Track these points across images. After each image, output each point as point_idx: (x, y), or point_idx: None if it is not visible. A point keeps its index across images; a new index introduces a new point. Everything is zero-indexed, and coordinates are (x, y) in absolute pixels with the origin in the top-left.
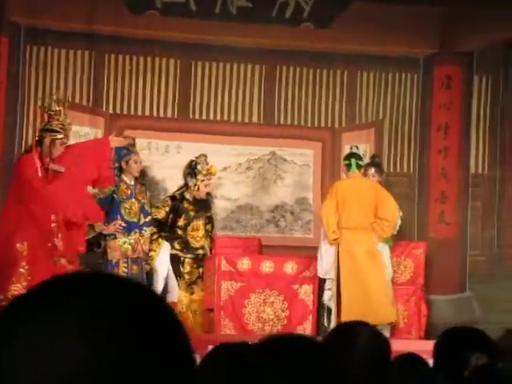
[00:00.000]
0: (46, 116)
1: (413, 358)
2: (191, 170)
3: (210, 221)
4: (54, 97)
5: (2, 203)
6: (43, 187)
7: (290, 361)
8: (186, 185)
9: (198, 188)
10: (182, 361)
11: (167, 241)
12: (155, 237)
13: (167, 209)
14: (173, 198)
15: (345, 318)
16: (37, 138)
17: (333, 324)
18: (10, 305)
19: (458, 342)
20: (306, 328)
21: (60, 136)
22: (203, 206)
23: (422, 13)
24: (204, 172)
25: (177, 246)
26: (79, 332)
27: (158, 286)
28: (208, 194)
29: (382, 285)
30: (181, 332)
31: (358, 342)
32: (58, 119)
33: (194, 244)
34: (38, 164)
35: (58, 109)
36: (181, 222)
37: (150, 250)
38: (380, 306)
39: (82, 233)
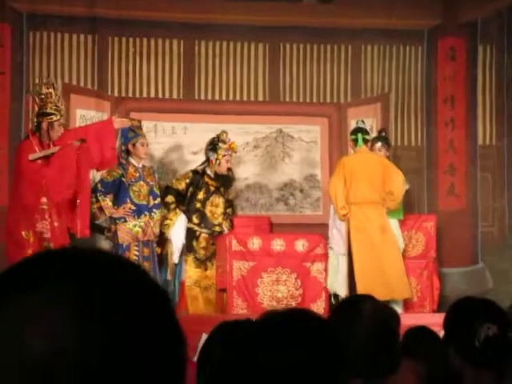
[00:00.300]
0: (38, 100)
1: (423, 331)
2: (213, 145)
3: (230, 204)
4: (44, 80)
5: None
6: (38, 169)
7: (287, 335)
8: (207, 160)
9: (220, 163)
10: (170, 345)
11: (185, 214)
12: (173, 206)
13: (187, 181)
14: (194, 171)
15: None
16: (35, 124)
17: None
18: None
19: (467, 312)
20: (320, 305)
21: (56, 118)
22: (224, 181)
23: None
24: (225, 147)
25: (194, 219)
26: (70, 311)
27: (174, 257)
28: (229, 169)
29: (397, 260)
30: (171, 314)
31: (362, 314)
32: (50, 101)
33: (212, 220)
34: (39, 149)
35: (47, 91)
36: (200, 196)
37: (166, 219)
38: (395, 282)
39: (84, 215)
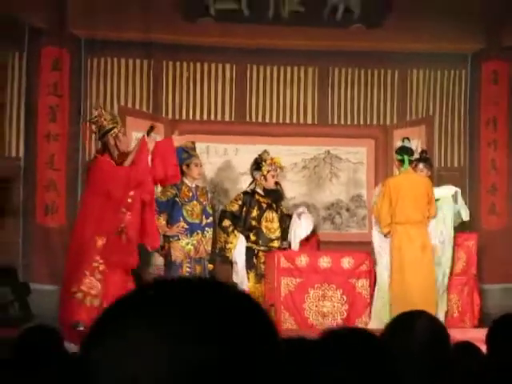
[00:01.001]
0: (93, 126)
1: (467, 346)
2: (256, 164)
3: (284, 219)
4: (88, 104)
5: (72, 205)
6: (123, 170)
7: (344, 354)
8: (253, 179)
9: (266, 178)
10: (275, 364)
11: (242, 234)
12: (231, 229)
13: (240, 202)
14: (245, 192)
15: (391, 311)
16: (101, 146)
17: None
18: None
19: (509, 328)
20: (365, 321)
21: (117, 129)
22: (274, 196)
23: (469, 7)
24: (268, 162)
25: (252, 237)
26: (193, 333)
27: (239, 277)
28: (277, 183)
29: (429, 278)
30: (276, 340)
31: (417, 329)
32: (105, 119)
33: (269, 235)
34: (112, 163)
35: (96, 112)
36: (254, 213)
37: (227, 243)
38: (422, 301)
39: (153, 230)
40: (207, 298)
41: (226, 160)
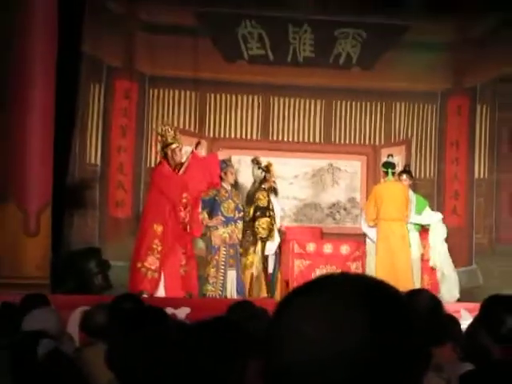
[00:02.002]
0: (160, 138)
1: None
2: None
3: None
4: (160, 121)
5: (136, 201)
6: (178, 176)
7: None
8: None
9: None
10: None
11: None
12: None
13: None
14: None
15: None
16: (162, 156)
17: None
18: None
19: (499, 306)
20: None
21: (175, 145)
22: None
23: (440, 58)
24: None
25: None
26: (356, 311)
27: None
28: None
29: (407, 262)
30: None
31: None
32: (169, 135)
33: None
34: (170, 170)
35: (165, 128)
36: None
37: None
38: (401, 277)
39: (197, 221)
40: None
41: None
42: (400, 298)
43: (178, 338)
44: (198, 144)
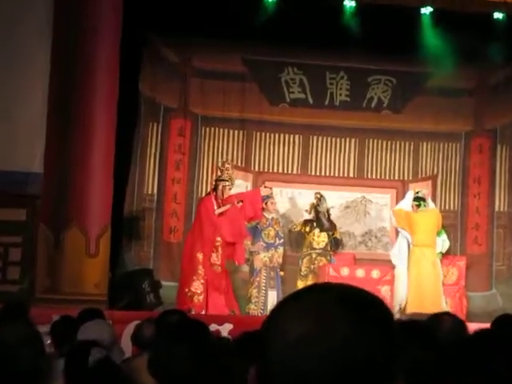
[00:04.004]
0: (218, 171)
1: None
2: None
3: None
4: (225, 158)
5: (188, 228)
6: (216, 219)
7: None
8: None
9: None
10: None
11: None
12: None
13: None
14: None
15: (408, 307)
16: (213, 186)
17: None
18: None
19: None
20: None
21: (228, 184)
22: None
23: (463, 102)
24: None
25: None
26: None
27: None
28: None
29: (437, 286)
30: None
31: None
32: (227, 173)
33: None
34: (214, 203)
35: (227, 166)
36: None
37: None
38: (432, 301)
39: (241, 251)
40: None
41: (293, 200)
42: (379, 303)
43: (218, 349)
44: (240, 201)
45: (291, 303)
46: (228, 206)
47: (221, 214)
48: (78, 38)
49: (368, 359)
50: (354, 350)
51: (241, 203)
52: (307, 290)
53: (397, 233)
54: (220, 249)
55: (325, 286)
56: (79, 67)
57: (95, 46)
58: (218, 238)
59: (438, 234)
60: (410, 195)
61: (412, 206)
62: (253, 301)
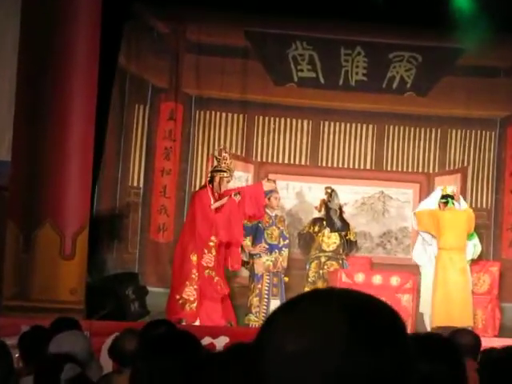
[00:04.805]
0: (214, 160)
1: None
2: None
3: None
4: (222, 146)
5: (179, 226)
6: (212, 215)
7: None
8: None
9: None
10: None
11: None
12: None
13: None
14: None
15: (433, 320)
16: (209, 178)
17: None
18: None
19: None
20: (408, 329)
21: (226, 175)
22: None
23: (499, 84)
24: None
25: None
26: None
27: None
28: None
29: (466, 297)
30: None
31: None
32: (225, 162)
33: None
34: (211, 197)
35: (224, 155)
36: None
37: None
38: (458, 313)
39: (236, 255)
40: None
41: (300, 195)
42: (389, 312)
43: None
44: (238, 194)
45: (288, 311)
46: (225, 200)
47: (217, 209)
48: (52, 13)
49: (375, 376)
50: (358, 366)
51: (238, 196)
52: (306, 296)
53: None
54: (214, 250)
55: (326, 291)
56: (53, 44)
57: (72, 20)
58: (213, 238)
59: (469, 237)
60: (436, 194)
61: (439, 204)
62: (253, 311)
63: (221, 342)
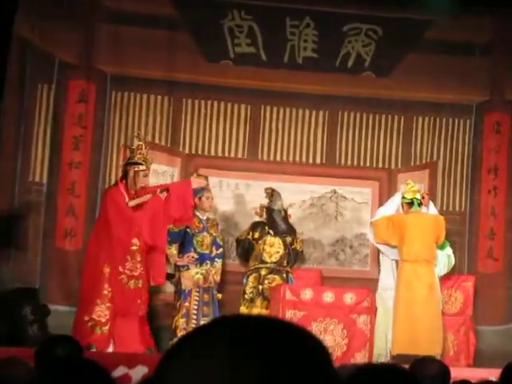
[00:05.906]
0: (128, 151)
1: None
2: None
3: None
4: (136, 133)
5: (90, 231)
6: (130, 213)
7: None
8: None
9: None
10: None
11: None
12: None
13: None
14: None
15: (394, 347)
16: (122, 172)
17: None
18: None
19: None
20: (364, 355)
21: (142, 167)
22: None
23: (474, 63)
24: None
25: None
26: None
27: None
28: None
29: (434, 318)
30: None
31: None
32: (139, 153)
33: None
34: (125, 194)
35: (138, 143)
36: None
37: None
38: (426, 339)
39: (160, 265)
40: (278, 338)
41: (237, 194)
42: (309, 344)
43: None
44: (165, 190)
45: (188, 344)
46: (147, 197)
47: (137, 207)
48: None
49: None
50: None
51: (165, 193)
52: (211, 324)
53: None
54: (138, 255)
55: (235, 318)
56: None
57: None
58: (135, 240)
59: (442, 246)
60: (398, 197)
61: (402, 205)
62: (179, 334)
63: (138, 373)
